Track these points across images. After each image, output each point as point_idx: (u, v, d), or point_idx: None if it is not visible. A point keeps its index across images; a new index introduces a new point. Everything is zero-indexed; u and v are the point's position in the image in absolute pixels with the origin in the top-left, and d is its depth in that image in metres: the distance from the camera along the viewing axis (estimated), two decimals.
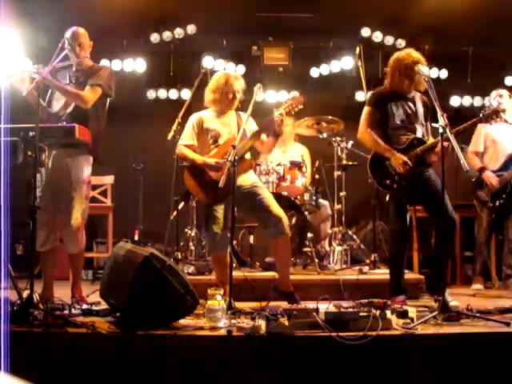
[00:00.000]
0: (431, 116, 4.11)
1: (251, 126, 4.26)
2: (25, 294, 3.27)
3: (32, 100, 3.85)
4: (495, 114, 3.96)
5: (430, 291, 3.81)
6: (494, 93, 5.34)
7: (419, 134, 4.13)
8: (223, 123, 4.22)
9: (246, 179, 4.11)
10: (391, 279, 4.19)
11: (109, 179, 6.16)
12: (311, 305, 3.21)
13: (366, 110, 4.18)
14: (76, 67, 4.07)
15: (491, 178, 5.06)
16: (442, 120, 3.55)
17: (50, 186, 3.94)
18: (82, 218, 3.98)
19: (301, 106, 4.03)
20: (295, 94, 4.06)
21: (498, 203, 5.06)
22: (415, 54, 4.04)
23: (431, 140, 4.09)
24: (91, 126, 3.95)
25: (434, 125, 3.89)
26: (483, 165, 5.19)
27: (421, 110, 4.17)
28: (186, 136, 4.24)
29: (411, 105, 4.15)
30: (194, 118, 4.27)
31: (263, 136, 4.14)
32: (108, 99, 4.12)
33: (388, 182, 4.05)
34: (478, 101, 6.89)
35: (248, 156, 4.19)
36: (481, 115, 3.99)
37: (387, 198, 4.18)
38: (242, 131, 3.96)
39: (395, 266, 4.18)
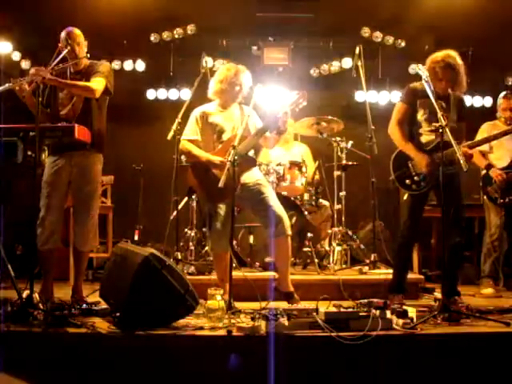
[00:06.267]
0: (459, 116, 4.12)
1: (255, 122, 4.25)
2: (25, 294, 3.27)
3: (30, 103, 3.85)
4: None
5: (447, 297, 3.78)
6: (500, 95, 5.31)
7: (448, 134, 4.08)
8: (227, 118, 4.19)
9: (251, 176, 4.10)
10: (394, 277, 4.19)
11: (109, 179, 6.16)
12: (311, 305, 3.21)
13: (396, 105, 4.20)
14: (75, 68, 4.07)
15: (499, 175, 5.03)
16: (442, 120, 3.56)
17: (63, 185, 3.96)
18: (96, 215, 4.08)
19: (305, 103, 4.01)
20: (297, 92, 4.02)
21: (508, 200, 5.03)
22: (453, 56, 4.02)
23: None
24: (96, 126, 3.98)
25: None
26: (489, 162, 5.18)
27: (454, 109, 4.14)
28: (189, 130, 4.19)
29: (444, 104, 4.10)
30: (197, 112, 4.23)
31: (267, 132, 4.13)
32: (108, 97, 4.13)
33: (408, 181, 4.06)
34: (477, 101, 6.90)
35: (251, 153, 4.18)
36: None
37: (405, 197, 4.16)
38: (246, 127, 3.95)
39: (400, 265, 4.18)
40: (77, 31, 4.05)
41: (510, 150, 5.13)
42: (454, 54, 4.05)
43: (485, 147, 5.21)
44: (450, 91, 4.13)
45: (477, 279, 5.35)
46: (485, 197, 5.21)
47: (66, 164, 3.96)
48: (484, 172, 5.15)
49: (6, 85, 3.79)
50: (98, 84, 3.93)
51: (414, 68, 6.57)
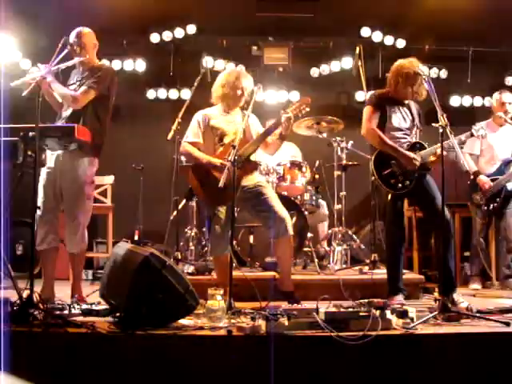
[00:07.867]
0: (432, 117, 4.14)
1: (257, 127, 4.26)
2: (25, 294, 3.27)
3: (49, 98, 3.97)
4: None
5: (443, 295, 3.77)
6: (495, 94, 5.33)
7: (415, 140, 4.16)
8: (229, 122, 4.20)
9: (251, 179, 4.10)
10: (388, 279, 4.20)
11: (109, 179, 6.16)
12: (311, 305, 3.21)
13: (367, 108, 4.19)
14: (82, 67, 4.08)
15: (485, 184, 5.07)
16: (442, 120, 3.56)
17: (54, 186, 3.96)
18: (85, 217, 4.02)
19: (308, 109, 4.02)
20: (299, 96, 4.05)
21: (491, 207, 5.07)
22: (417, 64, 4.04)
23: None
24: (92, 126, 3.96)
25: (434, 125, 3.91)
26: (478, 168, 5.21)
27: (416, 116, 4.24)
28: (190, 133, 4.20)
29: (407, 111, 4.21)
30: (199, 115, 4.24)
31: (269, 138, 4.13)
32: (110, 100, 4.10)
33: (392, 181, 4.06)
34: (478, 101, 6.90)
35: (253, 158, 4.18)
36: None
37: (389, 198, 4.18)
38: (246, 131, 3.95)
39: (392, 265, 4.19)
40: (84, 31, 4.06)
41: (500, 155, 5.16)
42: (417, 62, 4.08)
43: (475, 151, 5.25)
44: (409, 99, 4.19)
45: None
46: (469, 202, 5.30)
47: (56, 164, 3.95)
48: (471, 178, 5.20)
49: (25, 77, 3.80)
50: (81, 96, 3.92)
51: None
